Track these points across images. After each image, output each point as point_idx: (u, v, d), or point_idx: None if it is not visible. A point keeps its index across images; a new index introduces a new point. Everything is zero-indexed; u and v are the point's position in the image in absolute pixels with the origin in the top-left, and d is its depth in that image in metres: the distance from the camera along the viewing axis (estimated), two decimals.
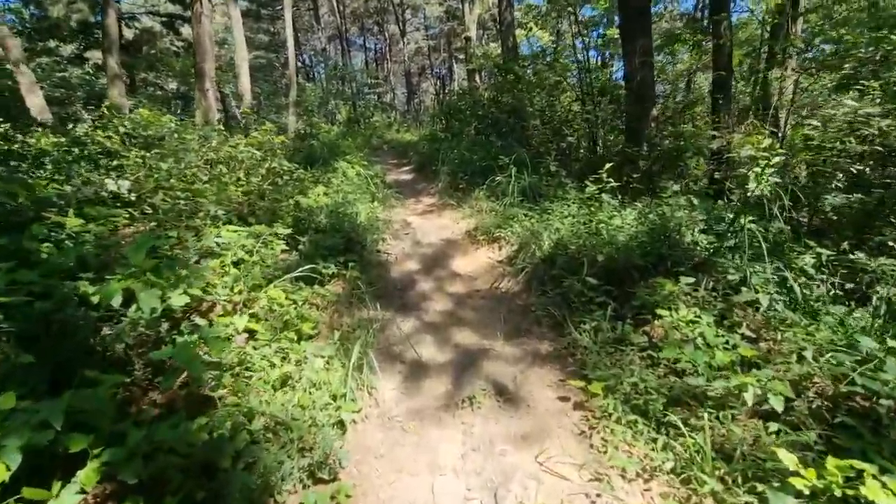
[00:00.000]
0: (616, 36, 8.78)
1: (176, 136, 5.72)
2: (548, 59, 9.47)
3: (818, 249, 3.55)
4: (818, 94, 8.05)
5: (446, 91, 36.14)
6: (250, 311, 2.88)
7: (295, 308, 3.27)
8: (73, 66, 19.19)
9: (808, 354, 2.28)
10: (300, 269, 3.46)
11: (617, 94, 7.66)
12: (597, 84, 7.21)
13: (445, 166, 7.82)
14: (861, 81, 4.19)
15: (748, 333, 2.63)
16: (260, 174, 5.40)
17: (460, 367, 3.00)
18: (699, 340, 2.60)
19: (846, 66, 6.98)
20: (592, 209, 4.34)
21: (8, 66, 10.56)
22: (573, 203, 4.76)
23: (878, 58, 4.48)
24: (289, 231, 4.25)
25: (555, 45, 16.73)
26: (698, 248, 3.65)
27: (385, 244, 5.09)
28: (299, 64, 32.15)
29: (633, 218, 4.10)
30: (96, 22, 19.16)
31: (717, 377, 2.21)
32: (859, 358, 2.04)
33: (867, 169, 4.06)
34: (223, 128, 7.82)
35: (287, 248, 4.22)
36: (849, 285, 3.31)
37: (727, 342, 2.56)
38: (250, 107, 13.97)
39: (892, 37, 5.68)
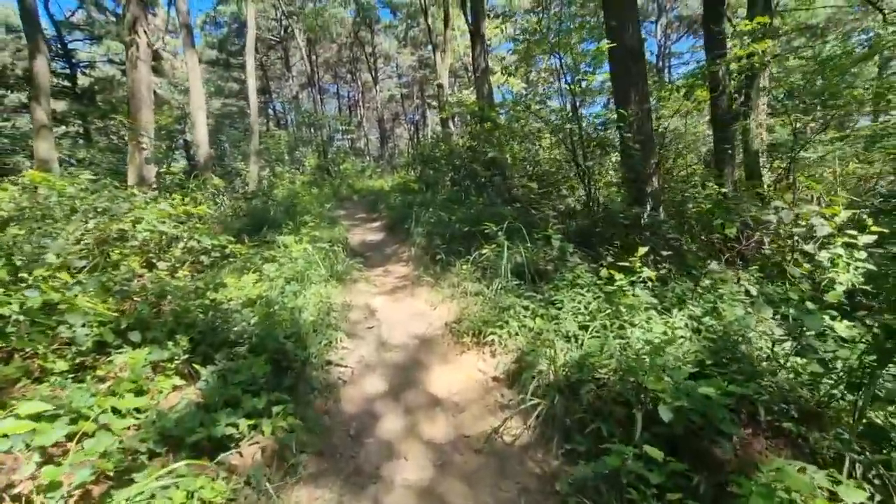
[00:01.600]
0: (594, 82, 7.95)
1: (64, 205, 4.29)
2: (526, 103, 8.57)
3: None
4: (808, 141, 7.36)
5: (420, 136, 35.77)
6: None
7: None
8: (17, 115, 17.66)
9: None
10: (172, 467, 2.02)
11: (607, 144, 6.71)
12: (589, 133, 6.22)
13: (419, 227, 6.58)
14: None
15: None
16: (173, 257, 3.99)
17: None
18: None
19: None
20: (620, 307, 3.09)
21: None
22: (587, 291, 3.53)
23: None
24: (185, 356, 2.84)
25: (526, 93, 16.24)
26: (791, 376, 2.41)
27: (338, 349, 3.70)
28: (271, 112, 31.28)
29: (682, 323, 2.86)
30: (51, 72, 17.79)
31: None
32: None
33: None
34: (154, 188, 6.44)
35: (185, 380, 2.80)
36: None
37: None
38: (208, 156, 12.66)
39: None
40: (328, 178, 15.42)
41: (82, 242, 3.50)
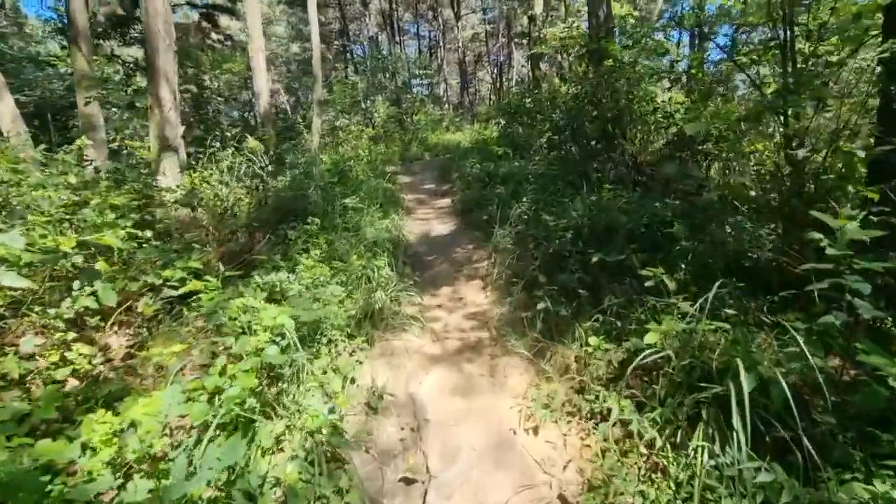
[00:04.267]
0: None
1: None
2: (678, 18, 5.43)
3: None
4: None
5: (504, 79, 31.70)
6: None
7: None
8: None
9: None
10: None
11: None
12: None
13: (506, 226, 4.22)
14: None
15: None
16: (60, 318, 2.11)
17: None
18: None
19: None
20: None
21: None
22: None
23: None
24: None
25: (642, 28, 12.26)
26: None
27: None
28: (349, 56, 29.12)
29: None
30: (134, 17, 17.07)
31: None
32: None
33: None
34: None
35: None
36: None
37: None
38: (268, 108, 11.02)
39: None
40: (399, 132, 13.20)
41: None
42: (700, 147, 4.69)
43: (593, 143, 5.82)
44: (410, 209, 6.22)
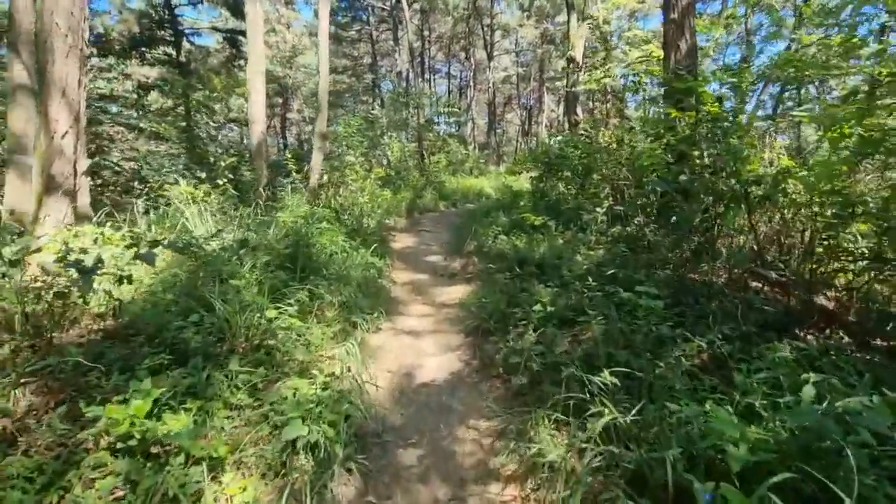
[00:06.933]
0: None
1: None
2: None
3: None
4: None
5: (533, 123, 30.09)
6: None
7: None
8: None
9: None
10: None
11: None
12: None
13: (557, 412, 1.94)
14: None
15: None
16: None
17: None
18: None
19: None
20: None
21: None
22: None
23: None
24: None
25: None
26: None
27: None
28: (377, 90, 28.06)
29: None
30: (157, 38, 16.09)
31: None
32: None
33: None
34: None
35: None
36: None
37: None
38: (261, 138, 9.27)
39: None
40: (414, 173, 11.25)
41: None
42: None
43: (697, 228, 3.56)
44: (398, 304, 4.00)
